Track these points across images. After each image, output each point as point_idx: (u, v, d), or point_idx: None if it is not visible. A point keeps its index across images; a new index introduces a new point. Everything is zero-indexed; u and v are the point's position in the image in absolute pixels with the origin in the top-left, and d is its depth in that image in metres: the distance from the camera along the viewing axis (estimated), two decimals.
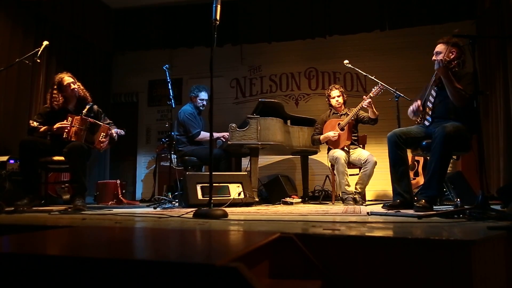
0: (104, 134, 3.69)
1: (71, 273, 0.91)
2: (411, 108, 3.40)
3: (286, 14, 6.15)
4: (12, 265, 0.96)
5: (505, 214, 2.03)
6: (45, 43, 3.79)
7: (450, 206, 3.19)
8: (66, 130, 3.52)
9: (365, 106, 4.29)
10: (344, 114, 4.68)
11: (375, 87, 4.31)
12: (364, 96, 4.32)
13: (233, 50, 6.61)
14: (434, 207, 2.86)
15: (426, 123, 3.29)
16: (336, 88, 4.75)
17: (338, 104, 4.71)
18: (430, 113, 3.28)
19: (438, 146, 2.86)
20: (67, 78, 3.72)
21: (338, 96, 4.71)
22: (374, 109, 4.31)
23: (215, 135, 4.89)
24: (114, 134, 3.81)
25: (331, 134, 4.53)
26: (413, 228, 1.74)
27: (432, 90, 3.31)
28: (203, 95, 4.97)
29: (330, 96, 4.77)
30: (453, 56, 3.13)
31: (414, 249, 1.32)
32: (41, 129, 3.59)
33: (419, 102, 3.34)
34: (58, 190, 5.02)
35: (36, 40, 5.18)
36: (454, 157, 3.41)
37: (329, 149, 4.67)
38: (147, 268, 0.87)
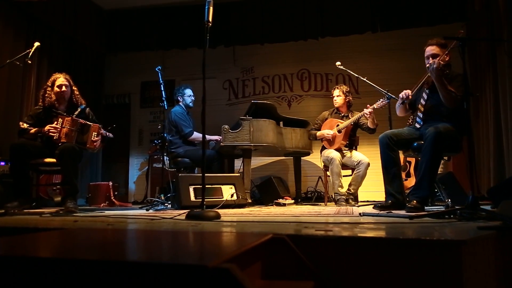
0: (95, 133, 3.66)
1: (63, 275, 0.91)
2: (400, 95, 3.39)
3: (278, 15, 6.15)
4: (3, 268, 0.95)
5: (495, 214, 2.04)
6: (36, 44, 3.76)
7: (441, 207, 3.21)
8: (57, 132, 3.50)
9: (366, 115, 4.27)
10: (346, 116, 4.68)
11: (380, 99, 4.16)
12: (368, 105, 4.29)
13: (225, 51, 6.60)
14: (425, 207, 2.88)
15: (417, 125, 3.31)
16: (337, 88, 4.77)
17: (335, 104, 4.73)
18: (421, 116, 3.30)
19: (428, 147, 2.88)
20: (61, 79, 3.71)
21: (338, 96, 4.71)
22: (375, 120, 4.32)
23: (208, 137, 4.88)
24: (105, 134, 3.79)
25: (326, 132, 4.56)
26: (405, 229, 1.74)
27: (424, 93, 3.33)
28: (189, 91, 5.00)
29: (332, 94, 4.80)
30: (447, 58, 3.15)
31: (405, 249, 1.33)
32: (31, 131, 3.56)
33: (409, 91, 3.34)
34: (49, 192, 4.98)
35: (27, 41, 5.13)
36: (445, 158, 3.43)
37: (322, 149, 4.68)
38: (139, 270, 0.88)
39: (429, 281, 1.29)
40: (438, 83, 3.04)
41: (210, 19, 2.72)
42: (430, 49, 3.22)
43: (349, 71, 4.65)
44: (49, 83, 3.72)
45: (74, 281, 0.90)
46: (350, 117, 4.60)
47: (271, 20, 6.16)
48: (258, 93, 6.67)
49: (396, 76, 5.87)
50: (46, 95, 3.66)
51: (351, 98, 4.82)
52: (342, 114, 4.74)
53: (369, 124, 4.38)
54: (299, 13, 6.06)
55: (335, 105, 4.75)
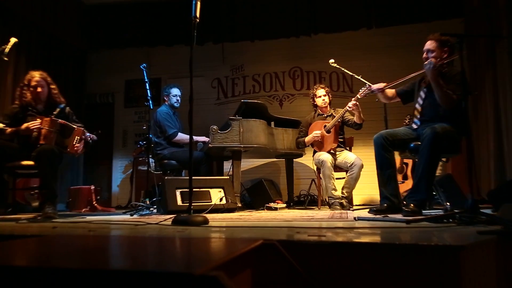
0: (78, 138, 3.57)
1: (40, 285, 0.89)
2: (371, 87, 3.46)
3: (269, 11, 6.12)
4: None
5: (496, 218, 2.01)
6: (14, 40, 3.60)
7: (440, 210, 3.17)
8: (35, 131, 3.37)
9: (350, 109, 4.17)
10: (330, 116, 4.61)
11: (362, 88, 4.06)
12: (351, 98, 4.22)
13: (214, 48, 6.54)
14: (423, 211, 2.83)
15: (414, 125, 3.23)
16: (322, 87, 4.69)
17: (324, 104, 4.63)
18: (418, 116, 3.23)
19: (426, 148, 2.82)
20: (37, 79, 3.57)
21: (325, 95, 4.64)
22: (361, 114, 4.21)
23: (195, 138, 4.79)
24: (89, 138, 3.68)
25: (314, 133, 4.46)
26: (402, 234, 1.74)
27: (421, 92, 3.27)
28: (175, 91, 4.94)
29: (316, 95, 4.69)
30: (445, 56, 3.08)
31: (402, 255, 1.31)
32: (7, 131, 3.43)
33: (383, 85, 3.40)
34: (27, 197, 4.90)
35: (3, 37, 4.95)
36: (444, 159, 3.38)
37: (314, 152, 4.59)
38: (123, 278, 0.86)
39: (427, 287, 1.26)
40: (434, 83, 2.98)
41: (198, 15, 2.65)
42: (427, 44, 3.15)
43: (343, 69, 4.55)
44: (25, 82, 3.59)
45: None
46: (335, 115, 4.53)
47: (261, 15, 6.13)
48: (249, 92, 6.63)
49: (392, 73, 5.66)
50: (22, 94, 3.54)
51: (331, 96, 4.77)
52: (326, 115, 4.65)
53: (356, 119, 4.29)
54: (291, 8, 6.04)
55: (324, 105, 4.65)
